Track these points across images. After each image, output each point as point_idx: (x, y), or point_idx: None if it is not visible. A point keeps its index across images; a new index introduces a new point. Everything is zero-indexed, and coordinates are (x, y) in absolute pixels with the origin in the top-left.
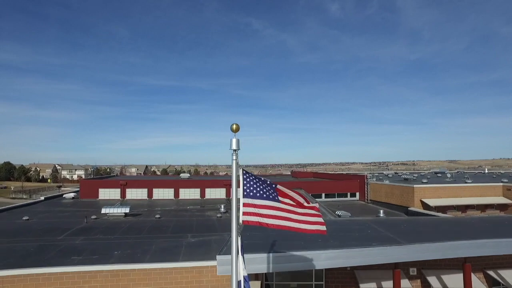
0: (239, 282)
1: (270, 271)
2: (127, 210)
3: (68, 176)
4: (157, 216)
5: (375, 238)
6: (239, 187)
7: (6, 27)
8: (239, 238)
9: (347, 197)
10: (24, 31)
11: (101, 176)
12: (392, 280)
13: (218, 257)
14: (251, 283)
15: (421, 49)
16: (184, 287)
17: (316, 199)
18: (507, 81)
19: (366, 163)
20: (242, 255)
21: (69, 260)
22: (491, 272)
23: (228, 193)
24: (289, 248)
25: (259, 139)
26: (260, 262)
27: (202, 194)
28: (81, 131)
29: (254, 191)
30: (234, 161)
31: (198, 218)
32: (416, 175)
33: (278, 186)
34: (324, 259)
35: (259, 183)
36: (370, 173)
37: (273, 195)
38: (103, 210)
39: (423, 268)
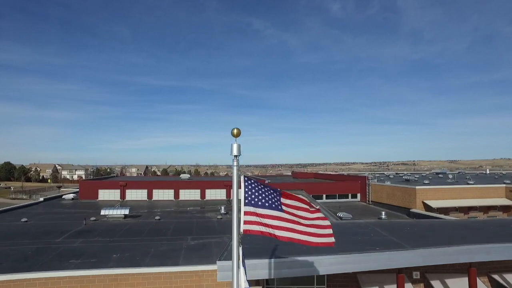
0: None
1: (272, 277)
2: (126, 211)
3: (68, 176)
4: (157, 217)
5: (378, 242)
6: (239, 190)
7: (6, 27)
8: (241, 249)
9: (348, 198)
10: (25, 31)
11: (101, 177)
12: (395, 284)
13: (218, 263)
14: None
15: (423, 49)
16: None
17: (317, 200)
18: (508, 81)
19: (367, 163)
20: (244, 266)
21: (67, 263)
22: (496, 276)
23: (229, 194)
24: (291, 253)
25: (259, 139)
26: (262, 268)
27: (203, 195)
28: (82, 131)
29: (256, 199)
30: (235, 167)
31: (198, 219)
32: (417, 176)
33: (283, 194)
34: (327, 264)
35: (261, 190)
36: (371, 173)
37: (276, 203)
38: (103, 212)
39: (427, 272)
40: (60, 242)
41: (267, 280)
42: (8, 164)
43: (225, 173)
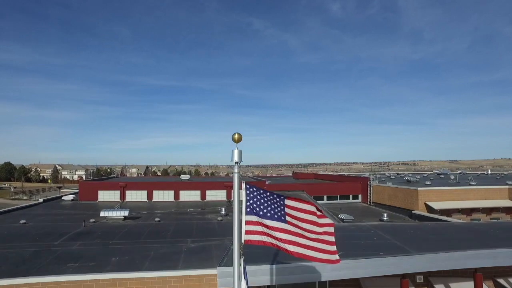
0: None
1: (273, 284)
2: (126, 213)
3: (68, 177)
4: (157, 219)
5: (382, 246)
6: (241, 193)
7: (6, 27)
8: (242, 259)
9: (349, 199)
10: (25, 31)
11: (101, 178)
12: None
13: (218, 268)
14: None
15: (423, 49)
16: None
17: (318, 201)
18: (508, 81)
19: (367, 163)
20: (245, 273)
21: (65, 267)
22: (501, 280)
23: (229, 195)
24: (292, 258)
25: (259, 139)
26: (262, 274)
27: (203, 196)
28: (82, 131)
29: (258, 208)
30: (236, 174)
31: (198, 221)
32: (418, 177)
33: (287, 202)
34: (330, 270)
35: (264, 199)
36: (371, 173)
37: (279, 214)
38: (102, 213)
39: (431, 276)
40: (59, 245)
41: (268, 286)
42: (8, 164)
43: (226, 173)
